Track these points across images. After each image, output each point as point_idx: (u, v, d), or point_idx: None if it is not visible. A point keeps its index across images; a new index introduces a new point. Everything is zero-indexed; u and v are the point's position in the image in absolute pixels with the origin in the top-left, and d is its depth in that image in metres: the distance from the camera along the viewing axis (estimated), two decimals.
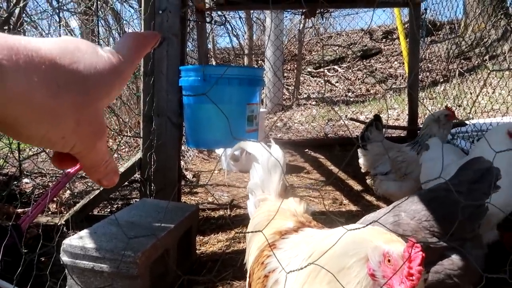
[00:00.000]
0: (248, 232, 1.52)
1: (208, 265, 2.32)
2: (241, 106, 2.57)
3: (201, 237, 2.75)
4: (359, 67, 11.16)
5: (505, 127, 2.27)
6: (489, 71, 7.44)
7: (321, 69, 11.49)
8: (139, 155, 2.84)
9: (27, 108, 0.42)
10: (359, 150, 3.10)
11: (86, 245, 1.73)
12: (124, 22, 6.57)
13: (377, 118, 3.04)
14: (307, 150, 5.54)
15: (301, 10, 4.65)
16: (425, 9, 6.16)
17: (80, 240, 1.77)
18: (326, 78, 11.07)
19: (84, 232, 1.85)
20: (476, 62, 8.87)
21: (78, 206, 2.76)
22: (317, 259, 0.90)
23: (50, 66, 0.44)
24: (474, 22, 9.41)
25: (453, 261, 1.45)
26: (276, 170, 1.56)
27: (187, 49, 6.45)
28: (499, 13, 9.09)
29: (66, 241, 1.76)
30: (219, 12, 4.66)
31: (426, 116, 3.17)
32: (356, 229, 0.89)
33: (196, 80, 2.52)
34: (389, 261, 0.81)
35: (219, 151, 4.68)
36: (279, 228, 1.29)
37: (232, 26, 10.38)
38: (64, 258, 1.75)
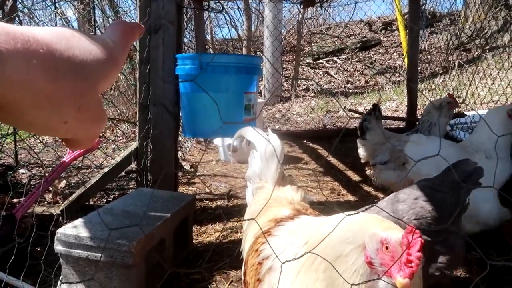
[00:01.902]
0: (244, 220, 1.50)
1: (204, 255, 2.30)
2: (239, 94, 2.54)
3: (198, 227, 2.73)
4: (358, 58, 11.10)
5: (506, 108, 2.29)
6: (488, 63, 7.40)
7: (320, 61, 11.42)
8: (135, 144, 2.81)
9: (27, 93, 0.41)
10: (358, 140, 3.07)
11: (81, 234, 1.70)
12: (121, 11, 6.50)
13: (375, 107, 3.01)
14: (305, 141, 5.51)
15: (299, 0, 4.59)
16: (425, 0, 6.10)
17: (74, 229, 1.75)
18: (325, 70, 11.01)
19: (79, 221, 1.83)
20: (476, 53, 8.82)
21: (74, 196, 2.73)
22: (313, 248, 0.88)
23: (48, 51, 0.43)
24: (474, 13, 9.34)
25: (444, 256, 1.48)
26: (274, 159, 1.54)
27: (185, 39, 6.40)
28: (499, 4, 9.01)
29: (60, 230, 1.74)
30: (218, 3, 4.59)
31: (426, 105, 3.15)
32: (353, 214, 0.86)
33: (193, 68, 2.48)
34: (387, 248, 0.79)
35: (217, 141, 4.65)
36: (275, 216, 1.27)
37: (231, 16, 10.28)
38: (58, 247, 1.72)
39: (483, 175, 1.60)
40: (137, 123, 2.79)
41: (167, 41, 2.65)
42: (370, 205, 1.28)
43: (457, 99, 6.56)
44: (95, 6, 5.95)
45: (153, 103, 2.69)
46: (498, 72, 6.86)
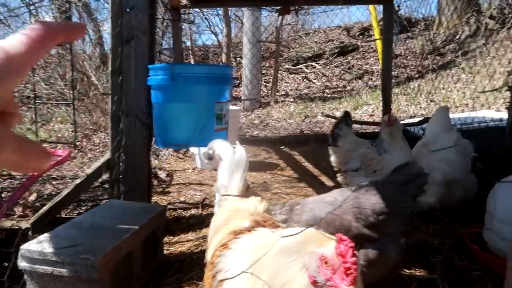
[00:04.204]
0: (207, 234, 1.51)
1: (175, 266, 2.30)
2: (210, 104, 2.55)
3: (171, 237, 2.73)
4: (336, 63, 11.25)
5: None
6: (459, 67, 7.61)
7: (299, 66, 11.53)
8: (107, 155, 2.79)
9: None
10: (329, 148, 3.12)
11: (45, 250, 1.68)
12: (99, 19, 6.45)
13: (346, 114, 3.06)
14: (283, 147, 5.55)
15: (275, 7, 4.64)
16: (398, 6, 6.24)
17: (39, 244, 1.73)
18: (304, 75, 11.12)
19: (44, 236, 1.81)
20: (450, 58, 9.06)
21: (44, 209, 2.68)
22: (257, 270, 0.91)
23: None
24: (448, 19, 9.61)
25: (367, 253, 1.54)
26: (238, 169, 1.56)
27: (162, 47, 6.38)
28: (471, 10, 9.29)
29: (24, 246, 1.71)
30: (188, 13, 4.61)
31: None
32: (294, 233, 0.90)
33: (164, 79, 2.49)
34: (326, 263, 0.82)
35: (193, 149, 4.64)
36: (235, 228, 1.28)
37: (210, 23, 10.30)
38: (22, 264, 1.70)
39: (427, 181, 1.68)
40: (110, 134, 2.78)
41: (139, 51, 2.65)
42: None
43: (431, 102, 6.70)
44: (70, 15, 5.89)
45: (126, 113, 2.68)
46: (471, 77, 7.08)
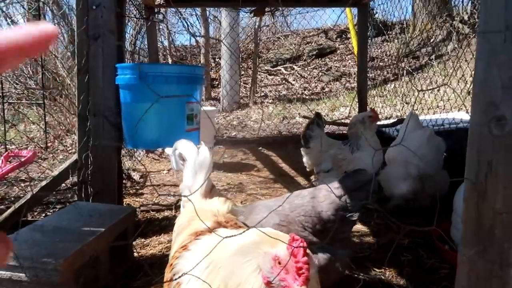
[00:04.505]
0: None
1: (145, 268, 2.26)
2: (180, 104, 2.52)
3: (143, 240, 2.68)
4: (314, 65, 11.34)
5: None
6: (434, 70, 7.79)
7: (278, 67, 11.57)
8: (74, 156, 2.72)
9: None
10: (302, 149, 3.13)
11: None
12: (72, 17, 6.30)
13: (318, 115, 3.08)
14: (260, 148, 5.55)
15: (249, 8, 4.64)
16: (372, 9, 6.34)
17: None
18: (283, 77, 11.16)
19: None
20: (424, 61, 9.26)
21: (7, 212, 2.60)
22: (213, 271, 0.90)
23: None
24: (421, 23, 9.82)
25: (318, 259, 1.54)
26: (202, 170, 1.55)
27: (137, 47, 6.28)
28: (443, 14, 9.53)
29: None
30: (160, 13, 4.55)
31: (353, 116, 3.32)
32: (248, 233, 0.88)
33: (132, 78, 2.45)
34: (279, 263, 0.81)
35: (168, 150, 4.59)
36: (196, 229, 1.27)
37: (188, 23, 10.22)
38: None
39: (377, 189, 1.72)
40: (76, 135, 2.71)
41: (106, 50, 2.59)
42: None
43: (406, 104, 6.83)
44: (43, 14, 5.73)
45: (93, 113, 2.62)
46: (443, 79, 7.25)
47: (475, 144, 0.78)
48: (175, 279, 1.01)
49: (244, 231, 0.88)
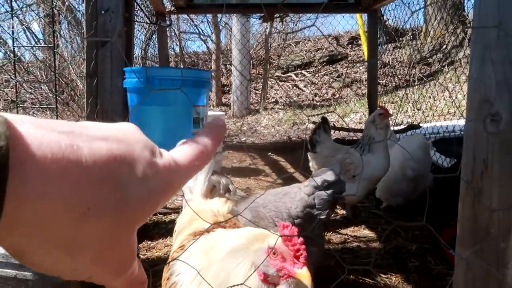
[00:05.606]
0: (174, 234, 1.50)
1: (150, 271, 2.26)
2: (186, 108, 2.55)
3: (149, 242, 2.69)
4: (325, 72, 11.33)
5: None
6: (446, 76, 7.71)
7: (289, 74, 11.59)
8: None
9: (36, 238, 0.30)
10: (308, 154, 3.12)
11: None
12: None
13: (324, 121, 3.07)
14: (269, 153, 5.56)
15: (259, 14, 4.68)
16: (382, 15, 6.32)
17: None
18: (294, 83, 11.17)
19: None
20: (436, 67, 9.18)
21: None
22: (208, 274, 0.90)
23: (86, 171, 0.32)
24: (434, 29, 9.75)
25: None
26: (202, 172, 1.55)
27: (149, 53, 6.37)
28: (456, 21, 9.44)
29: None
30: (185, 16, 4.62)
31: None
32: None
33: (140, 82, 2.48)
34: (274, 253, 0.81)
35: None
36: (196, 229, 1.27)
37: (200, 30, 10.35)
38: None
39: (345, 189, 1.78)
40: None
41: (114, 54, 2.63)
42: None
43: (417, 111, 6.76)
44: (57, 22, 5.86)
45: (101, 116, 2.65)
46: (455, 86, 7.16)
47: (471, 142, 0.77)
48: (171, 280, 1.01)
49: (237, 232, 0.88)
